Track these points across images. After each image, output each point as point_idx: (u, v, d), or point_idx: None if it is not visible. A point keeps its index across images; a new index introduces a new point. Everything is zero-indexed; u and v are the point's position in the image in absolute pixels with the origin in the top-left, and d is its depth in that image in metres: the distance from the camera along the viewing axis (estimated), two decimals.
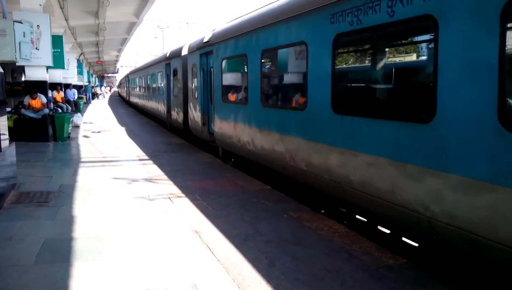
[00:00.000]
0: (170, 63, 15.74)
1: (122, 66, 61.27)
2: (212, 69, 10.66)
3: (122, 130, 16.76)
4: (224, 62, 9.51)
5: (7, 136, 6.68)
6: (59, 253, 4.31)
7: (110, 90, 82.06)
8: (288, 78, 7.51)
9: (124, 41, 29.82)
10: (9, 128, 7.57)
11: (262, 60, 7.57)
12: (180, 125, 14.63)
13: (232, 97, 9.30)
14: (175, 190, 7.04)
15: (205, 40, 10.77)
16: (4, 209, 5.76)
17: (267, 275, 3.89)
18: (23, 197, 6.40)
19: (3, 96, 6.90)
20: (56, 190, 6.86)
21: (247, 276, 3.88)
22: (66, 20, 16.01)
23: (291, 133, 6.54)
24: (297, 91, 6.70)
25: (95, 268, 3.98)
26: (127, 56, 73.93)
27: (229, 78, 9.68)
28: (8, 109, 11.80)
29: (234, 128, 8.81)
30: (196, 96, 11.95)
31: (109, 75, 71.89)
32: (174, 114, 15.54)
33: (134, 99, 32.84)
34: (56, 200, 6.26)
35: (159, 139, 14.16)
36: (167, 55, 16.44)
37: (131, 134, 15.40)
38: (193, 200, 6.39)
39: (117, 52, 37.07)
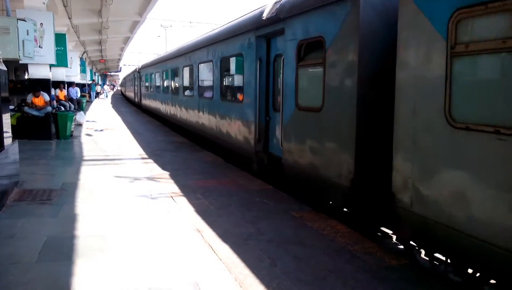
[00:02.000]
0: (285, 31, 6.78)
1: (125, 65, 61.48)
2: None
3: (124, 128, 16.78)
4: None
5: (10, 134, 6.70)
6: (61, 251, 4.31)
7: (112, 89, 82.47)
8: None
9: (127, 40, 29.86)
10: (12, 126, 7.57)
11: None
12: (337, 185, 5.46)
13: None
14: (177, 189, 7.04)
15: None
16: (7, 206, 5.78)
17: (268, 275, 3.89)
18: (26, 195, 6.42)
19: (6, 94, 6.91)
20: (58, 188, 6.88)
21: (249, 276, 3.88)
22: (70, 18, 16.06)
23: None
24: None
25: (98, 266, 3.99)
26: (130, 54, 74.23)
27: None
28: (11, 107, 11.84)
29: None
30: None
31: (112, 73, 72.04)
32: (294, 150, 6.59)
33: (152, 104, 22.40)
34: (58, 198, 6.28)
35: (161, 138, 14.16)
36: (266, 13, 7.57)
37: (134, 132, 15.42)
38: (195, 199, 6.40)
39: (120, 50, 37.14)
